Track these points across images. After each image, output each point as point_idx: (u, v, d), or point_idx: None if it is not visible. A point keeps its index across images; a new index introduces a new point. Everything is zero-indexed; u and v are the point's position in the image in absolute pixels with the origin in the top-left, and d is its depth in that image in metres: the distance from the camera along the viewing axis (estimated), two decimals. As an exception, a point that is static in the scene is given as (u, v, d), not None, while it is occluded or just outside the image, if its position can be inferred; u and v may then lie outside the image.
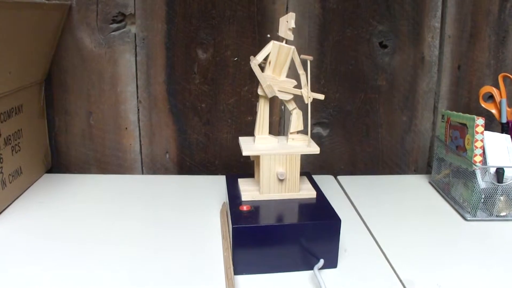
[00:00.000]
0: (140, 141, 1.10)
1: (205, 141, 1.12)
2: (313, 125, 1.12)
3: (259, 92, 0.78)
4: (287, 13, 1.04)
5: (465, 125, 0.93)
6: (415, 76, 1.11)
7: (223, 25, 1.05)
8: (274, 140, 0.81)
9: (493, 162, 0.92)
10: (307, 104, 0.78)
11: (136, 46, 1.04)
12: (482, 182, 0.91)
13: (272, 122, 1.12)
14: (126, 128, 1.09)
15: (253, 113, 1.10)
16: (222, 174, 1.14)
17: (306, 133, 0.82)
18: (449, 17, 1.08)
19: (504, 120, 1.00)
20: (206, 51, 1.06)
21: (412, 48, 1.09)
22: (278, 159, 0.78)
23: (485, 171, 0.91)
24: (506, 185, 0.91)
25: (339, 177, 1.12)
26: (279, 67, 0.78)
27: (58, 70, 1.05)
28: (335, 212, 0.76)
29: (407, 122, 1.14)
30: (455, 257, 0.79)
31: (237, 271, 0.71)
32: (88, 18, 1.01)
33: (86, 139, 1.09)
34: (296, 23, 1.04)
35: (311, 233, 0.73)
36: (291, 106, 0.81)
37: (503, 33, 1.10)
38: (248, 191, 0.81)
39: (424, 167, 1.18)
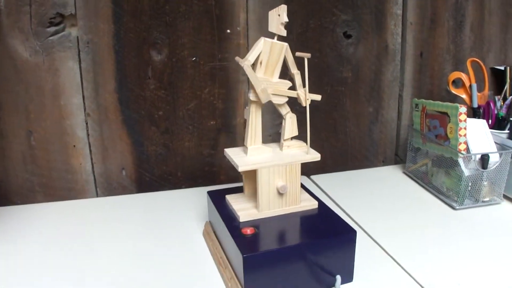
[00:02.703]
0: (91, 159, 0.96)
1: (164, 153, 1.00)
2: (278, 124, 1.05)
3: (251, 97, 0.69)
4: (247, 5, 0.96)
5: (445, 113, 0.91)
6: (379, 66, 1.08)
7: (178, 21, 0.94)
8: (268, 150, 0.73)
9: (476, 148, 0.90)
10: (305, 106, 0.71)
11: (79, 52, 0.90)
12: (466, 169, 0.90)
13: (236, 124, 1.03)
14: (74, 146, 0.95)
15: (216, 117, 1.01)
16: (186, 187, 1.03)
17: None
18: (410, 3, 1.05)
19: (475, 105, 1.00)
20: (160, 52, 0.94)
21: (376, 37, 1.06)
22: (277, 171, 0.70)
23: (469, 158, 0.89)
24: (490, 170, 0.90)
25: (312, 177, 1.06)
26: (271, 67, 0.69)
27: (-13, 85, 0.89)
28: (347, 223, 0.70)
29: (373, 113, 1.11)
30: (459, 249, 0.77)
31: (251, 303, 0.62)
32: (20, 22, 0.86)
33: (28, 163, 0.93)
34: (257, 15, 0.98)
35: (326, 249, 0.66)
36: (285, 110, 0.72)
37: (461, 18, 1.09)
38: (244, 210, 0.72)
39: (392, 157, 1.16)
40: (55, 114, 0.92)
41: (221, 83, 0.99)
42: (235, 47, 0.98)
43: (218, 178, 1.05)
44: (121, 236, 0.82)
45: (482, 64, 0.99)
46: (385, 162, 1.16)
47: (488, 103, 0.98)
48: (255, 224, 0.69)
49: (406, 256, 0.75)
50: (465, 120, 0.88)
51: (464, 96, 1.01)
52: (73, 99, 0.92)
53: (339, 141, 1.10)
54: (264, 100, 0.68)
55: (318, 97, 0.73)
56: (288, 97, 0.71)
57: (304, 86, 0.71)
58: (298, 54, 0.70)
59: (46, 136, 0.93)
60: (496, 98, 1.01)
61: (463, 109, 0.87)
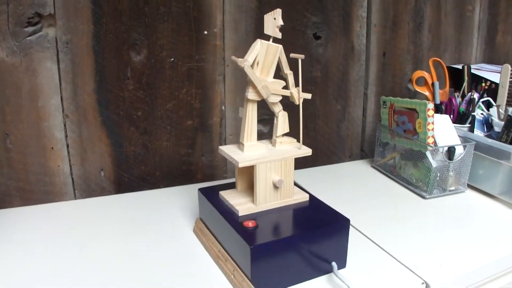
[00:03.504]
0: (69, 161, 0.95)
1: (143, 153, 1.01)
2: (254, 123, 1.08)
3: (250, 96, 0.72)
4: (224, 7, 0.99)
5: (414, 110, 0.97)
6: (346, 66, 1.13)
7: (157, 23, 0.95)
8: (263, 146, 0.76)
9: (442, 141, 0.98)
10: (299, 105, 0.75)
11: (58, 52, 0.89)
12: (434, 161, 0.97)
13: (212, 123, 1.05)
14: (52, 148, 0.93)
15: (193, 117, 1.03)
16: (164, 186, 1.04)
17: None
18: (374, 6, 1.12)
19: (438, 101, 1.07)
20: (139, 52, 0.95)
21: (343, 38, 1.11)
22: (274, 166, 0.73)
23: (437, 151, 0.96)
24: (456, 161, 0.97)
25: (287, 173, 1.10)
26: (266, 68, 0.72)
27: (-40, 87, 0.85)
28: (339, 213, 0.74)
29: (341, 110, 1.16)
30: (436, 234, 0.84)
31: (258, 293, 0.65)
32: (-3, 22, 0.84)
33: (4, 167, 0.90)
34: (232, 17, 1.01)
35: (324, 237, 0.70)
36: (277, 108, 0.76)
37: (420, 20, 1.18)
38: (241, 204, 0.74)
39: (358, 153, 1.22)
40: (32, 116, 0.90)
41: (198, 84, 1.01)
42: (212, 48, 1.00)
43: (195, 176, 1.07)
44: (109, 238, 0.81)
45: (443, 63, 1.07)
46: (351, 158, 1.22)
47: (450, 99, 1.06)
48: (253, 217, 0.72)
49: (389, 243, 0.80)
50: (432, 116, 0.95)
51: (427, 93, 1.08)
52: (51, 100, 0.91)
53: (309, 138, 1.15)
54: (265, 95, 0.71)
55: (308, 96, 0.77)
56: (283, 96, 0.75)
57: (297, 85, 0.75)
58: (292, 55, 0.74)
59: (23, 139, 0.91)
60: (456, 95, 1.09)
61: (431, 105, 0.94)
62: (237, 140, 1.07)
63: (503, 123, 0.97)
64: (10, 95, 0.88)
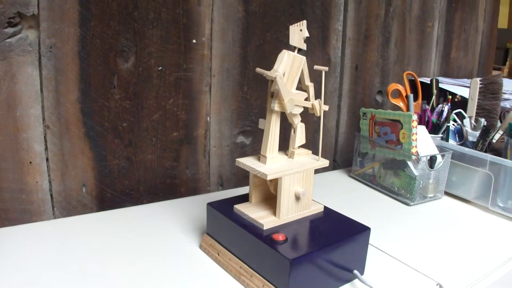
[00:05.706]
0: (49, 176, 0.86)
1: (127, 166, 0.94)
2: (236, 134, 1.06)
3: (275, 107, 0.70)
4: (212, 16, 0.98)
5: (397, 121, 1.01)
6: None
7: (146, 29, 0.90)
8: (282, 158, 0.75)
9: (423, 151, 1.02)
10: (320, 116, 0.75)
11: (40, 57, 0.81)
12: (416, 170, 1.01)
13: (197, 135, 1.01)
14: (31, 162, 0.84)
15: (179, 128, 0.98)
16: (147, 201, 0.98)
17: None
18: (350, 21, 1.15)
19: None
20: (127, 60, 0.89)
21: (321, 50, 1.13)
22: (297, 178, 0.72)
23: (419, 159, 1.00)
24: (435, 169, 1.02)
25: (269, 185, 1.09)
26: (291, 79, 0.71)
27: None
28: (359, 222, 0.75)
29: (317, 122, 1.17)
30: (431, 236, 0.88)
31: (296, 306, 0.63)
32: (-24, 21, 0.75)
33: (-23, 184, 0.80)
34: (220, 26, 0.98)
35: (349, 246, 0.70)
36: (297, 120, 0.75)
37: (388, 34, 1.23)
38: (263, 217, 0.72)
39: (331, 163, 1.24)
40: (9, 127, 0.81)
41: (185, 94, 0.97)
42: (200, 57, 0.97)
43: (179, 190, 1.02)
44: (103, 262, 0.73)
45: (416, 77, 1.12)
46: (325, 168, 1.23)
47: (424, 111, 1.12)
48: (277, 230, 0.70)
49: (394, 248, 0.82)
50: (416, 127, 0.99)
51: (401, 104, 1.13)
52: (30, 110, 0.82)
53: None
54: (289, 109, 0.70)
55: (326, 107, 0.77)
56: (304, 107, 0.74)
57: (319, 97, 0.75)
58: (316, 67, 0.73)
59: (-2, 152, 0.82)
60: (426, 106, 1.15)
61: (415, 116, 0.98)
62: (220, 153, 1.05)
63: (477, 133, 1.04)
64: (-14, 103, 0.79)
